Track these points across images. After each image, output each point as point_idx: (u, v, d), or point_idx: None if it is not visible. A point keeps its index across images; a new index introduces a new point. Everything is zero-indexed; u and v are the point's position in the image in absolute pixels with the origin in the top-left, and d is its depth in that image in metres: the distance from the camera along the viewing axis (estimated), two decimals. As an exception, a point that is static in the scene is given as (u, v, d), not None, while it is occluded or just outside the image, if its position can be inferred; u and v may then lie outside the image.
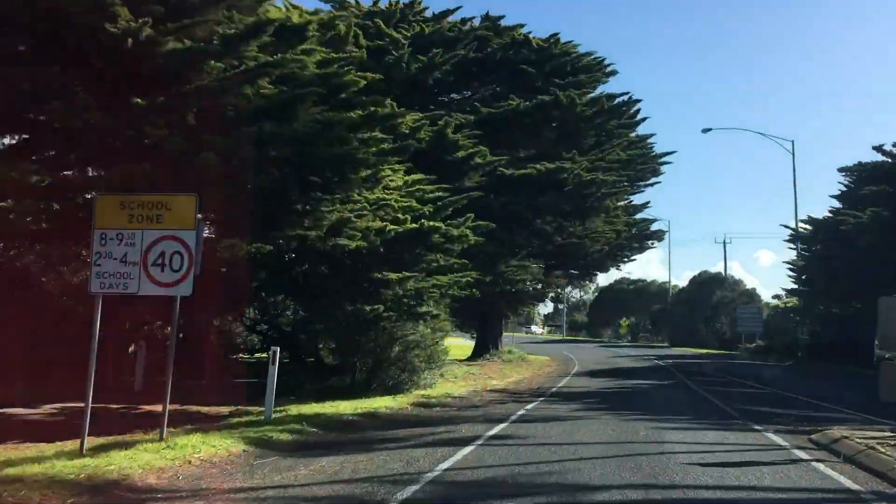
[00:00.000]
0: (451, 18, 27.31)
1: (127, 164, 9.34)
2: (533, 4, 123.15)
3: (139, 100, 9.10)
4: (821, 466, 8.24)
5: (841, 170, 34.38)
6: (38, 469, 7.34)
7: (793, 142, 43.14)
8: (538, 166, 24.03)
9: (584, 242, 30.81)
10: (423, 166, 18.84)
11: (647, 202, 61.44)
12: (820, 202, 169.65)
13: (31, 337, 16.58)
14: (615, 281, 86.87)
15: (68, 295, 18.74)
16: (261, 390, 17.00)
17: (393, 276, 14.42)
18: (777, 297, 72.49)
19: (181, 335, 23.80)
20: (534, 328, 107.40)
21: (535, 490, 6.88)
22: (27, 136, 10.39)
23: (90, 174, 10.56)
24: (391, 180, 15.45)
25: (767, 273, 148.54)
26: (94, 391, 15.74)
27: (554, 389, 19.87)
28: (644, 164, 31.05)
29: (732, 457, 8.82)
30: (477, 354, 34.00)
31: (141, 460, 7.94)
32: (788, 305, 54.13)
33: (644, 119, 30.57)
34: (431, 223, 14.71)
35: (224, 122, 9.85)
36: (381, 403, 15.16)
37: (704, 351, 53.84)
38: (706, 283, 67.70)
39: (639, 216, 36.91)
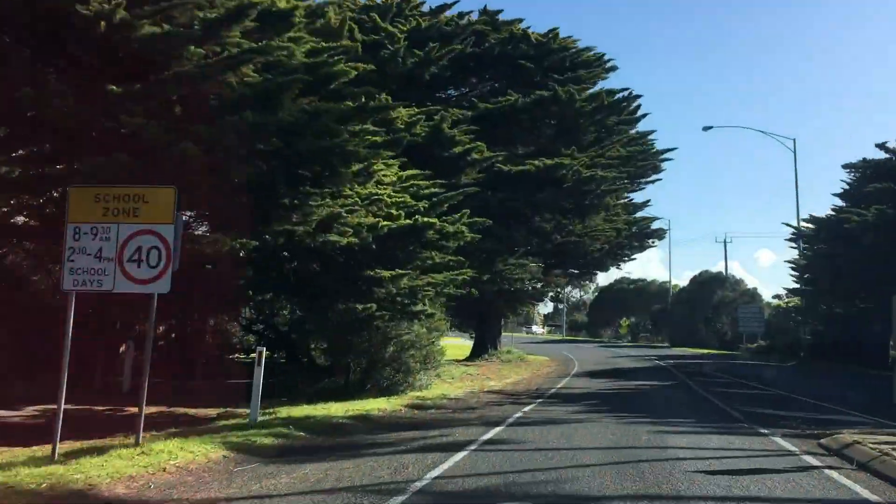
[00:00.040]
0: (448, 13, 26.86)
1: (102, 155, 8.85)
2: (532, 2, 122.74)
3: (115, 87, 8.63)
4: (834, 474, 7.76)
5: (845, 166, 33.91)
6: (0, 477, 6.88)
7: (794, 140, 42.70)
8: (536, 162, 23.53)
9: (584, 241, 30.33)
10: (419, 162, 18.38)
11: (648, 200, 61.16)
12: (821, 202, 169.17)
13: (18, 337, 16.16)
14: (615, 280, 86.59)
15: (59, 294, 18.32)
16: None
17: (386, 273, 13.94)
18: (777, 296, 72.08)
19: (173, 335, 23.46)
20: (534, 328, 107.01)
21: (530, 500, 6.42)
22: None
23: (64, 166, 10.06)
24: (384, 175, 14.99)
25: (767, 273, 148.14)
26: (82, 393, 15.38)
27: (553, 391, 19.41)
28: (644, 160, 30.55)
29: (740, 464, 8.35)
30: (475, 355, 33.58)
31: (112, 468, 7.47)
32: (790, 305, 53.70)
33: (644, 115, 30.12)
34: (426, 219, 14.23)
35: (205, 111, 9.38)
36: (375, 405, 14.72)
37: (705, 351, 53.39)
38: (707, 283, 67.23)
39: (639, 214, 36.50)
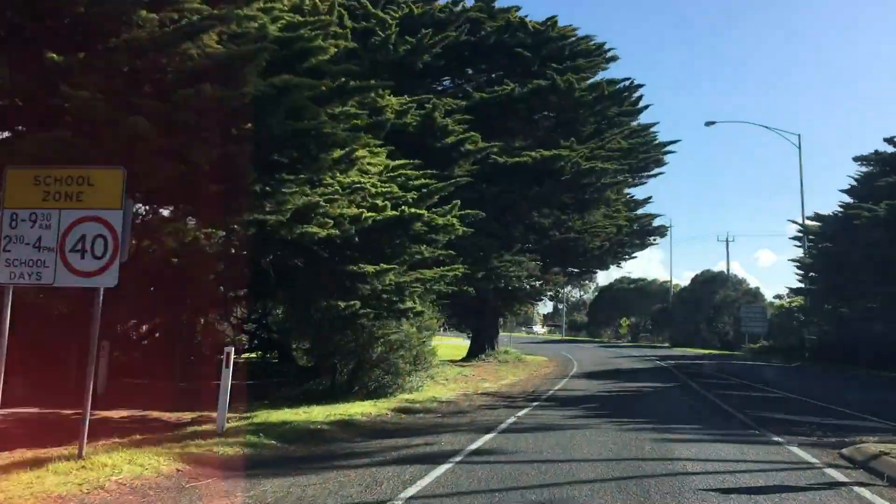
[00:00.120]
0: (441, 0, 25.89)
1: (43, 132, 7.91)
2: None
3: (55, 55, 7.68)
4: (866, 493, 6.80)
5: (856, 159, 33.01)
6: None
7: (799, 135, 41.78)
8: (533, 154, 22.54)
9: (584, 237, 29.34)
10: (410, 153, 17.44)
11: (649, 197, 60.09)
12: (825, 200, 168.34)
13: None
14: (615, 280, 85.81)
15: (36, 292, 17.60)
16: (241, 393, 15.80)
17: (370, 268, 13.00)
18: (778, 296, 71.38)
19: (157, 334, 22.54)
20: (535, 328, 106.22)
21: (517, 528, 5.48)
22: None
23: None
24: (370, 164, 14.04)
25: (768, 273, 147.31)
26: (54, 395, 14.44)
27: (550, 393, 18.48)
28: (646, 153, 29.54)
29: (757, 479, 7.40)
30: (472, 355, 32.70)
31: (41, 486, 6.53)
32: (793, 305, 52.85)
33: (646, 107, 29.10)
34: (413, 210, 13.28)
35: (161, 85, 8.43)
36: (359, 409, 13.81)
37: (707, 351, 52.52)
38: (708, 282, 66.38)
39: (640, 211, 35.50)
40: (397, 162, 15.81)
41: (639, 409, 14.93)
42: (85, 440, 7.83)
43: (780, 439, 10.22)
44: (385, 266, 13.12)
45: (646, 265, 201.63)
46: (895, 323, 28.38)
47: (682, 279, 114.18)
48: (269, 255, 12.60)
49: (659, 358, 40.54)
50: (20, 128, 8.75)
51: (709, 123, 43.21)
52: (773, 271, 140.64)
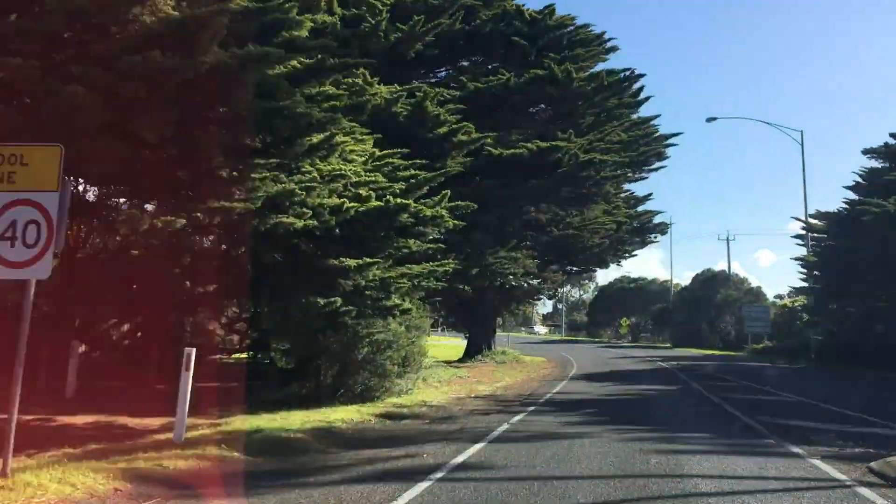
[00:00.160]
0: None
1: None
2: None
3: (-20, 17, 6.71)
4: (911, 519, 5.85)
5: (865, 152, 31.99)
6: None
7: (801, 132, 40.80)
8: (530, 145, 21.53)
9: (583, 234, 28.35)
10: (400, 144, 16.47)
11: (650, 194, 59.04)
12: (825, 200, 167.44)
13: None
14: (615, 280, 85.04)
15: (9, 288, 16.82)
16: (220, 396, 14.90)
17: (351, 262, 12.03)
18: (779, 296, 70.50)
19: (139, 333, 21.57)
20: (536, 328, 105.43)
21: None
22: None
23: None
24: (353, 152, 13.08)
25: (768, 273, 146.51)
26: (20, 398, 13.52)
27: (548, 396, 17.51)
28: (647, 146, 28.52)
29: (782, 502, 6.43)
30: (469, 356, 31.80)
31: (-56, 512, 5.58)
32: (796, 305, 51.96)
33: (647, 98, 28.09)
34: (399, 200, 12.31)
35: (105, 53, 7.46)
36: (342, 415, 12.87)
37: (708, 352, 51.60)
38: (710, 282, 65.46)
39: (640, 208, 34.50)
40: (384, 151, 14.85)
41: (642, 415, 13.97)
42: (10, 456, 6.84)
43: (799, 451, 9.25)
44: (368, 260, 12.15)
45: (645, 265, 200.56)
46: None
47: (682, 279, 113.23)
48: (241, 247, 11.62)
49: (660, 359, 39.62)
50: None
51: (710, 119, 42.53)
52: (772, 272, 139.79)
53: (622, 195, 32.55)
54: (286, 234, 11.33)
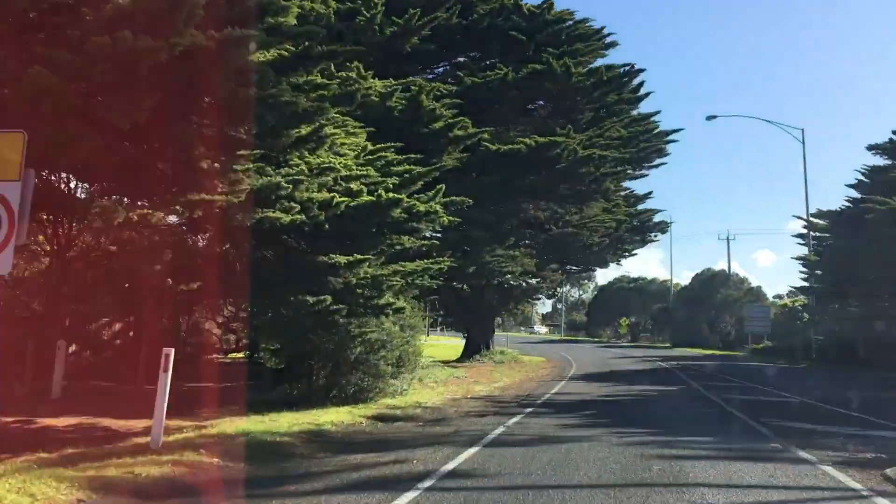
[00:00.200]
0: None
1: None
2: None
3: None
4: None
5: (870, 148, 31.55)
6: None
7: (802, 130, 40.36)
8: (528, 140, 21.06)
9: (582, 232, 27.88)
10: (395, 140, 16.03)
11: (650, 192, 58.52)
12: (826, 199, 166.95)
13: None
14: (614, 279, 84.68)
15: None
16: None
17: (341, 259, 11.59)
18: (778, 296, 70.10)
19: (131, 333, 21.14)
20: (537, 328, 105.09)
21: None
22: None
23: None
24: (344, 144, 12.65)
25: (767, 274, 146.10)
26: (3, 398, 13.09)
27: (546, 397, 17.09)
28: (648, 142, 28.03)
29: (795, 513, 6.01)
30: (467, 355, 31.40)
31: None
32: (796, 304, 51.62)
33: (647, 94, 27.59)
34: (391, 195, 11.86)
35: (74, 34, 7.02)
36: (332, 417, 12.45)
37: (708, 352, 51.24)
38: (710, 281, 65.09)
39: (640, 207, 34.00)
40: (378, 146, 14.41)
41: (642, 417, 13.54)
42: (-31, 463, 6.40)
43: (808, 456, 8.82)
44: (359, 257, 11.71)
45: (645, 265, 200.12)
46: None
47: (682, 279, 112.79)
48: (226, 243, 11.18)
49: (660, 359, 39.24)
50: None
51: (710, 118, 41.96)
52: (771, 272, 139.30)
53: (622, 193, 32.10)
54: (273, 229, 10.88)
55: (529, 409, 14.24)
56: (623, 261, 36.73)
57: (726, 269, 68.05)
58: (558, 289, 54.49)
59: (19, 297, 17.50)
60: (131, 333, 20.68)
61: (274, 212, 10.64)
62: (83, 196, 10.63)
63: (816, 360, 37.62)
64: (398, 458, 8.63)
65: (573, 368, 28.36)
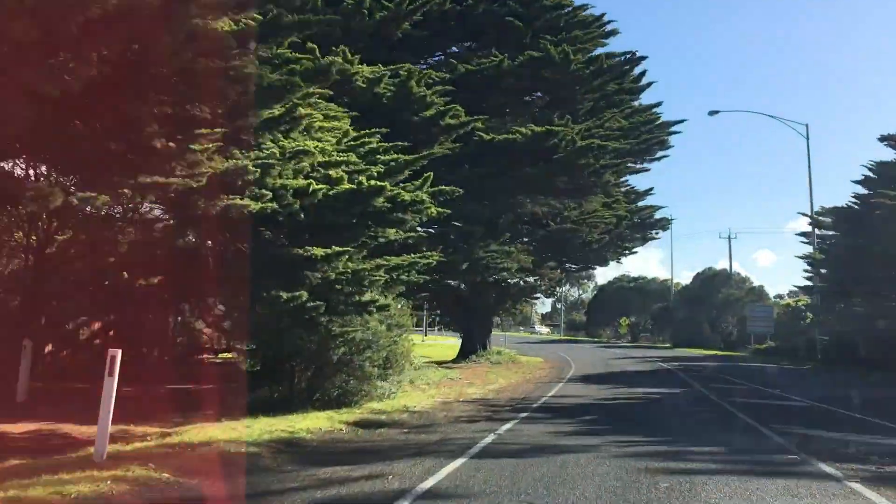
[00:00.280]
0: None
1: None
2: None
3: None
4: None
5: (882, 139, 30.41)
6: None
7: (807, 125, 39.44)
8: (524, 130, 20.09)
9: (581, 229, 26.91)
10: (382, 128, 15.11)
11: (651, 188, 57.66)
12: (829, 198, 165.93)
13: None
14: (614, 279, 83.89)
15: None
16: (198, 399, 13.64)
17: (318, 251, 10.65)
18: (779, 296, 69.17)
19: (111, 332, 20.21)
20: (537, 328, 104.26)
21: None
22: None
23: None
24: (322, 128, 11.69)
25: (767, 274, 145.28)
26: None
27: (543, 400, 16.16)
28: (650, 133, 26.99)
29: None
30: (463, 356, 30.52)
31: None
32: (800, 304, 50.77)
33: (649, 84, 26.52)
34: (373, 183, 10.92)
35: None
36: (310, 424, 11.52)
37: (710, 352, 50.35)
38: (711, 280, 64.20)
39: (641, 204, 33.06)
40: (362, 131, 13.48)
41: (645, 423, 12.60)
42: None
43: (832, 471, 7.87)
44: (337, 249, 10.77)
45: (645, 265, 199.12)
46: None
47: (682, 279, 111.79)
48: (187, 233, 10.24)
49: (661, 359, 38.36)
50: None
51: (712, 113, 41.01)
52: (772, 272, 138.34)
53: (622, 189, 31.19)
54: (242, 219, 9.93)
55: (524, 415, 13.31)
56: (623, 259, 35.86)
57: (727, 269, 67.19)
58: (557, 288, 53.57)
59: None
60: (111, 333, 19.79)
61: (242, 199, 9.71)
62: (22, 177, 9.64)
63: (821, 360, 36.75)
64: (373, 472, 7.69)
65: (572, 369, 27.45)
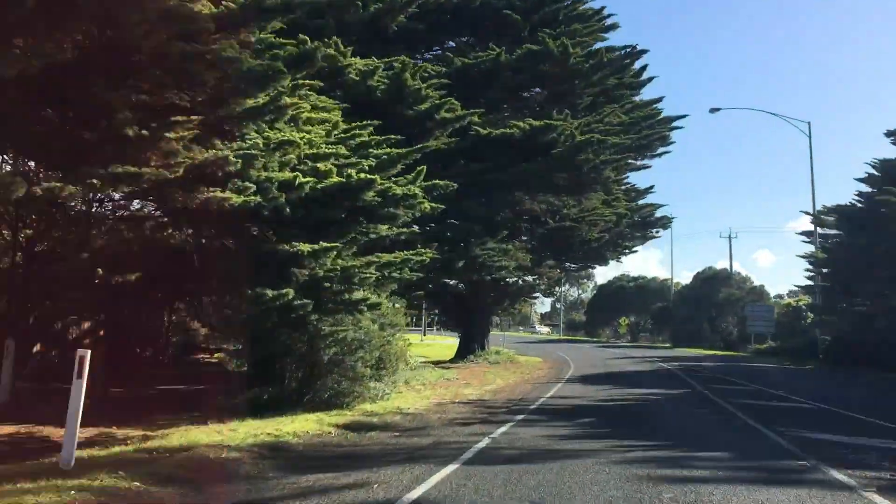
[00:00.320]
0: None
1: None
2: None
3: None
4: None
5: (889, 134, 29.91)
6: None
7: (809, 123, 39.03)
8: (521, 124, 19.62)
9: (581, 227, 26.43)
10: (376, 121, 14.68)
11: (651, 186, 57.21)
12: (831, 197, 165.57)
13: None
14: (614, 278, 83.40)
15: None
16: (187, 400, 13.28)
17: (304, 247, 10.20)
18: (779, 296, 68.71)
19: (101, 332, 19.79)
20: (538, 328, 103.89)
21: None
22: None
23: None
24: (310, 119, 11.23)
25: (767, 274, 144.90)
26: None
27: (541, 401, 15.70)
28: (650, 128, 26.49)
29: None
30: (461, 356, 30.10)
31: None
32: (801, 304, 50.38)
33: (650, 79, 26.02)
34: (362, 176, 10.47)
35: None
36: (298, 427, 11.10)
37: (710, 352, 49.89)
38: (711, 280, 63.73)
39: (641, 202, 32.57)
40: (353, 124, 13.02)
41: (645, 426, 12.15)
42: None
43: (844, 478, 7.42)
44: (325, 245, 10.32)
45: (645, 265, 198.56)
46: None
47: (682, 279, 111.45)
48: (172, 229, 9.78)
49: (661, 359, 37.90)
50: None
51: (713, 110, 40.69)
52: (772, 272, 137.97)
53: (623, 187, 30.72)
54: (223, 212, 9.47)
55: (521, 417, 12.86)
56: (623, 258, 35.35)
57: (728, 268, 66.75)
58: (556, 287, 53.14)
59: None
60: (101, 332, 19.37)
61: (223, 192, 9.25)
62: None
63: (823, 360, 36.32)
64: (358, 480, 7.24)
65: (571, 370, 26.99)
